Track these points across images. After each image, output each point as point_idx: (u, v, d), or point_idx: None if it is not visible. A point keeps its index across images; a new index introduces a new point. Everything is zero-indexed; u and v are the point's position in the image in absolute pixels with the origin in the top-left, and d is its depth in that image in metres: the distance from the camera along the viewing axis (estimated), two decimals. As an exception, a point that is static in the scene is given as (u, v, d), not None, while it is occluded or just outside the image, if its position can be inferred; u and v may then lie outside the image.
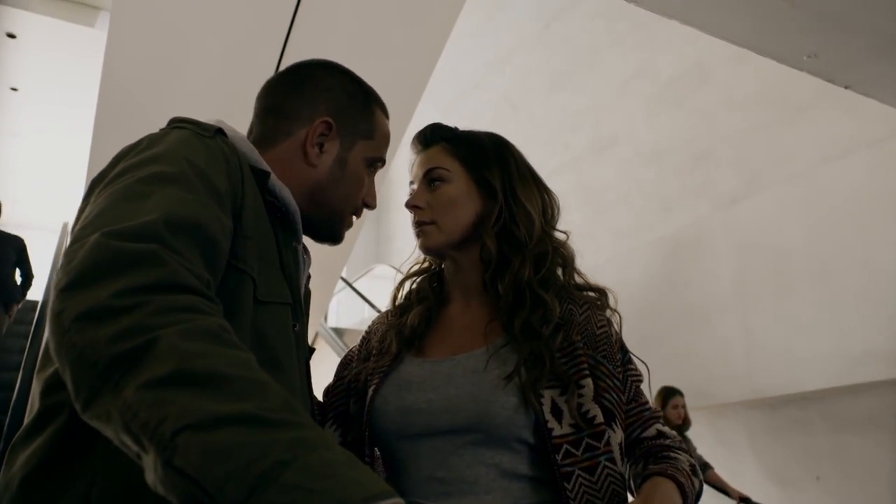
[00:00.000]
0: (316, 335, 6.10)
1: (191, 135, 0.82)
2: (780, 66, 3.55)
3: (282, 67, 3.08)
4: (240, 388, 0.53)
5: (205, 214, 0.70)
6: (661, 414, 1.14)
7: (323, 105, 1.00)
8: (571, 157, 6.95)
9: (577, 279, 1.13)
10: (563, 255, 1.11)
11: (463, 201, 1.08)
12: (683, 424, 4.72)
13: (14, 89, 7.90)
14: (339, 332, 6.74)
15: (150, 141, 0.80)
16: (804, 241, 4.89)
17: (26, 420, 0.73)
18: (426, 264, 1.20)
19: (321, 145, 0.99)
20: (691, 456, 1.05)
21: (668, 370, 5.75)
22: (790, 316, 4.92)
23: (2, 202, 4.95)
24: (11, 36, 6.95)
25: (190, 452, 0.50)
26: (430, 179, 1.11)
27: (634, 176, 6.33)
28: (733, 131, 5.43)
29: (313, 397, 1.03)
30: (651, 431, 1.07)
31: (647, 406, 1.09)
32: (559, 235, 1.14)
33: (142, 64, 3.11)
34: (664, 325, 5.81)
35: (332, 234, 1.04)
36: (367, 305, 7.43)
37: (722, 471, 4.86)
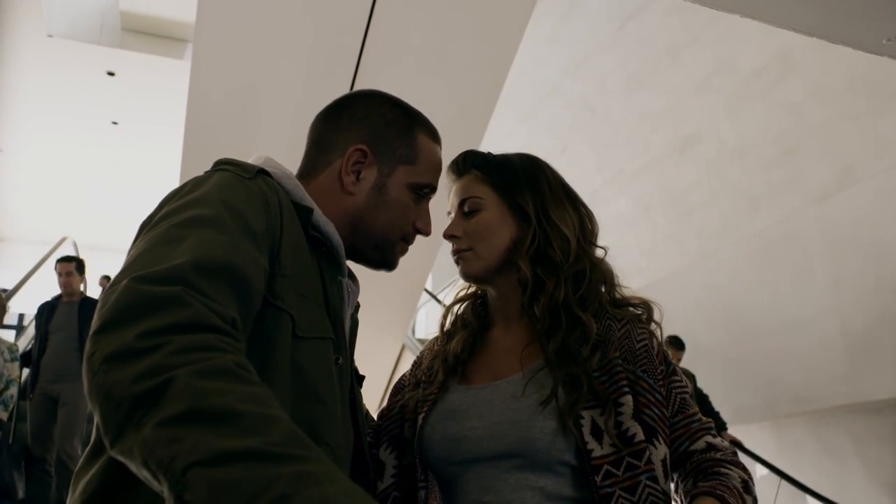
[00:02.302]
0: (403, 347, 6.21)
1: (231, 177, 0.85)
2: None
3: (356, 86, 3.19)
4: (248, 424, 0.56)
5: (237, 255, 0.73)
6: (712, 424, 1.09)
7: (357, 133, 1.00)
8: (652, 158, 6.81)
9: (619, 294, 1.12)
10: (602, 272, 1.10)
11: (497, 227, 1.10)
12: None
13: (115, 123, 8.45)
14: (424, 343, 6.80)
15: (194, 184, 0.84)
16: (906, 234, 4.61)
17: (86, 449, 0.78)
18: (472, 290, 1.21)
19: (358, 173, 0.99)
20: (745, 470, 1.02)
21: (762, 374, 5.54)
22: (894, 314, 4.64)
23: (84, 260, 4.91)
24: (111, 74, 7.45)
25: (198, 487, 0.53)
26: (465, 209, 1.12)
27: (719, 174, 6.14)
28: (822, 123, 5.19)
29: (362, 424, 1.04)
30: (700, 444, 1.04)
31: (696, 417, 1.07)
32: (598, 252, 1.13)
33: (223, 90, 3.28)
34: (756, 328, 5.59)
35: (382, 261, 1.05)
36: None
37: (828, 481, 4.62)
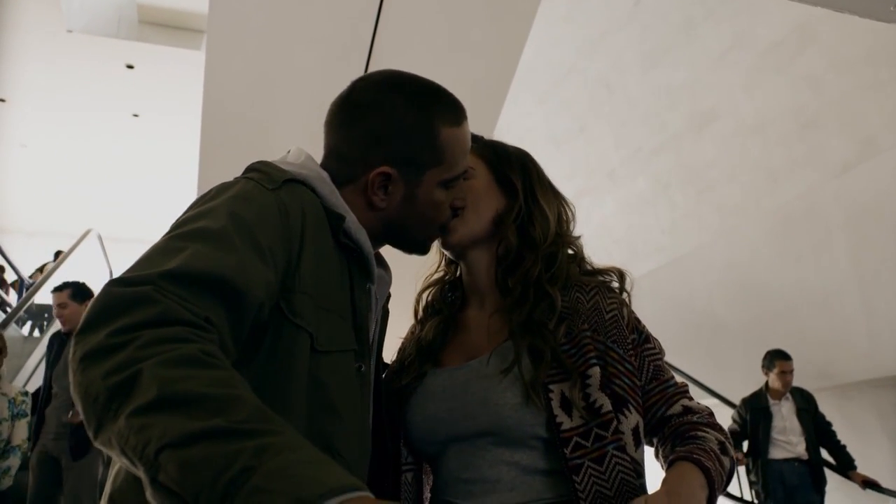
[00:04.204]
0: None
1: (253, 187, 0.86)
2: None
3: (369, 70, 3.20)
4: (213, 405, 0.59)
5: (230, 268, 0.74)
6: (687, 387, 1.11)
7: (378, 151, 0.96)
8: (670, 135, 6.75)
9: (590, 266, 1.16)
10: (574, 251, 1.15)
11: (483, 195, 1.13)
12: None
13: (136, 115, 8.55)
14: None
15: (216, 192, 0.86)
16: (928, 206, 4.56)
17: None
18: (439, 274, 1.25)
19: (385, 188, 0.97)
20: (722, 431, 1.03)
21: (784, 349, 5.51)
22: (917, 287, 4.59)
23: (85, 283, 3.96)
24: (130, 67, 7.53)
25: (170, 468, 0.56)
26: None
27: (737, 150, 6.08)
28: (842, 94, 5.11)
29: (386, 426, 1.07)
30: (676, 408, 1.06)
31: (671, 382, 1.08)
32: (573, 237, 1.17)
33: (237, 79, 3.32)
34: (777, 305, 5.57)
35: (417, 250, 1.08)
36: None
37: (852, 455, 4.59)
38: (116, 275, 0.72)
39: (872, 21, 3.56)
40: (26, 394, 3.64)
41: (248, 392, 0.63)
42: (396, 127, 0.97)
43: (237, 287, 0.74)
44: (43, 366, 4.09)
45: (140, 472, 0.59)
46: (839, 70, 5.12)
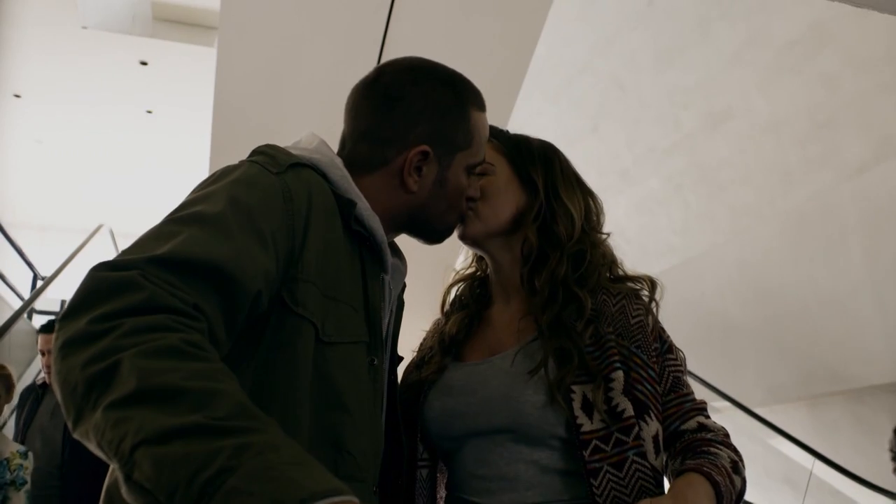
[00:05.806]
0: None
1: (257, 170, 0.83)
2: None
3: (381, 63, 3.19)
4: (193, 400, 0.56)
5: (225, 254, 0.72)
6: (706, 404, 1.09)
7: (416, 131, 0.96)
8: (683, 135, 6.70)
9: (621, 271, 1.14)
10: (602, 255, 1.12)
11: (502, 192, 1.12)
12: None
13: (149, 112, 8.58)
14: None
15: (220, 175, 0.84)
16: (945, 208, 4.49)
17: None
18: (470, 270, 1.24)
19: (419, 170, 0.96)
20: (736, 451, 1.02)
21: (797, 352, 5.47)
22: (934, 290, 4.53)
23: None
24: (144, 63, 7.56)
25: (145, 466, 0.54)
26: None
27: (751, 150, 6.03)
28: (859, 94, 5.05)
29: (401, 421, 1.05)
30: (691, 424, 1.04)
31: (689, 397, 1.07)
32: (601, 237, 1.15)
33: (249, 74, 3.33)
34: (790, 306, 5.51)
35: (435, 239, 1.07)
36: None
37: (866, 462, 4.54)
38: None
39: (891, 20, 3.51)
40: (25, 455, 2.84)
41: (231, 386, 0.61)
42: (435, 107, 0.98)
43: (231, 274, 0.71)
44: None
45: (116, 467, 0.57)
46: (856, 69, 5.06)
